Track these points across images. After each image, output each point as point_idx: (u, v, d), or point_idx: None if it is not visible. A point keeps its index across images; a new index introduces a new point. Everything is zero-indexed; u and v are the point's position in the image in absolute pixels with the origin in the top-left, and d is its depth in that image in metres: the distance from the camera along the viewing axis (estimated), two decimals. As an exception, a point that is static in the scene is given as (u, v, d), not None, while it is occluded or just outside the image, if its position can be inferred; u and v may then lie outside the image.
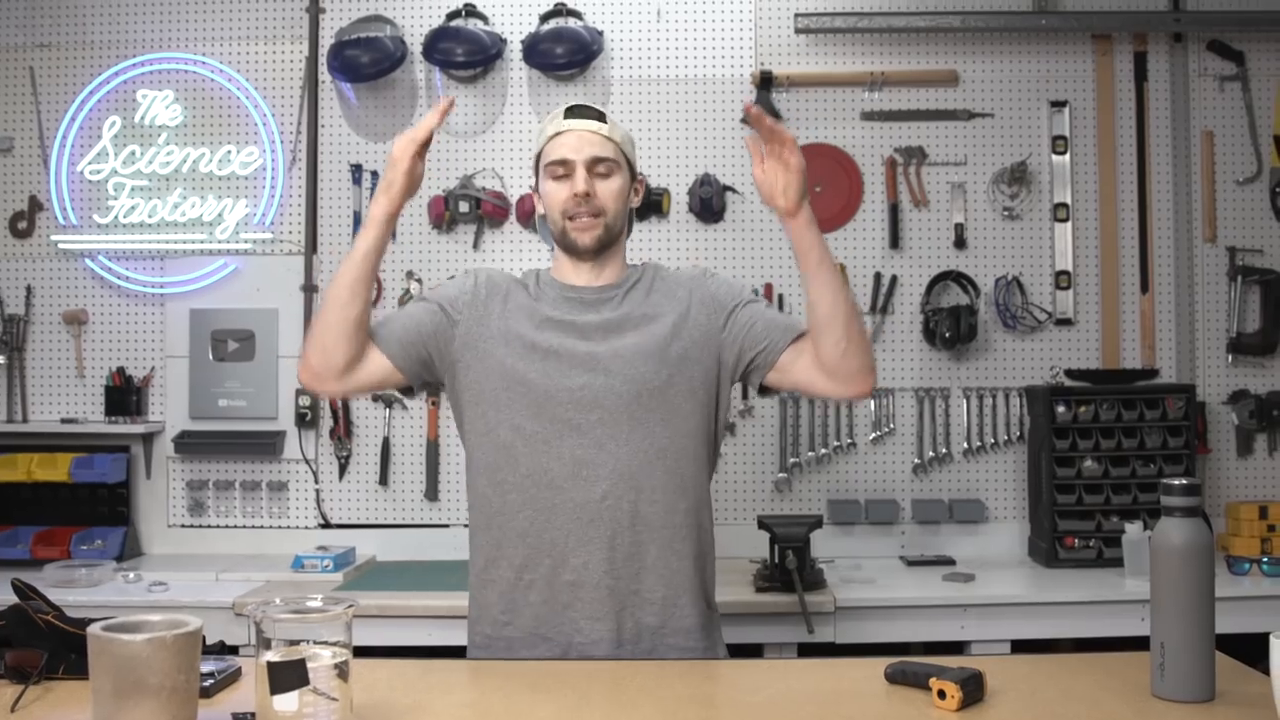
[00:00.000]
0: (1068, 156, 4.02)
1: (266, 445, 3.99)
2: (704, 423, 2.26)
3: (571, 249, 2.26)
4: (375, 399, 4.01)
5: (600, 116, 2.27)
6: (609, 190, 2.25)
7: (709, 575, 2.30)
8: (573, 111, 2.28)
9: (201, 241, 4.04)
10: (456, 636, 3.21)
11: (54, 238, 4.06)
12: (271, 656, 1.53)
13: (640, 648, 2.17)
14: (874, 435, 3.99)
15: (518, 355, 2.20)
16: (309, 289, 4.03)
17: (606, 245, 2.26)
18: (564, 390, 2.17)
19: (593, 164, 2.23)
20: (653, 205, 3.97)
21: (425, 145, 2.17)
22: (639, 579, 2.17)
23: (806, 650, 3.18)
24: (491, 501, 2.21)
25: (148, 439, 4.02)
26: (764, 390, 2.33)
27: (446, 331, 2.25)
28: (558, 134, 2.26)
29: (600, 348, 2.20)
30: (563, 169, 2.24)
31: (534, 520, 2.17)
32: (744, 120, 2.10)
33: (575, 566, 2.16)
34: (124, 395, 4.00)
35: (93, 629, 1.52)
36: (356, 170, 4.05)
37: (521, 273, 2.38)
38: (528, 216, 3.97)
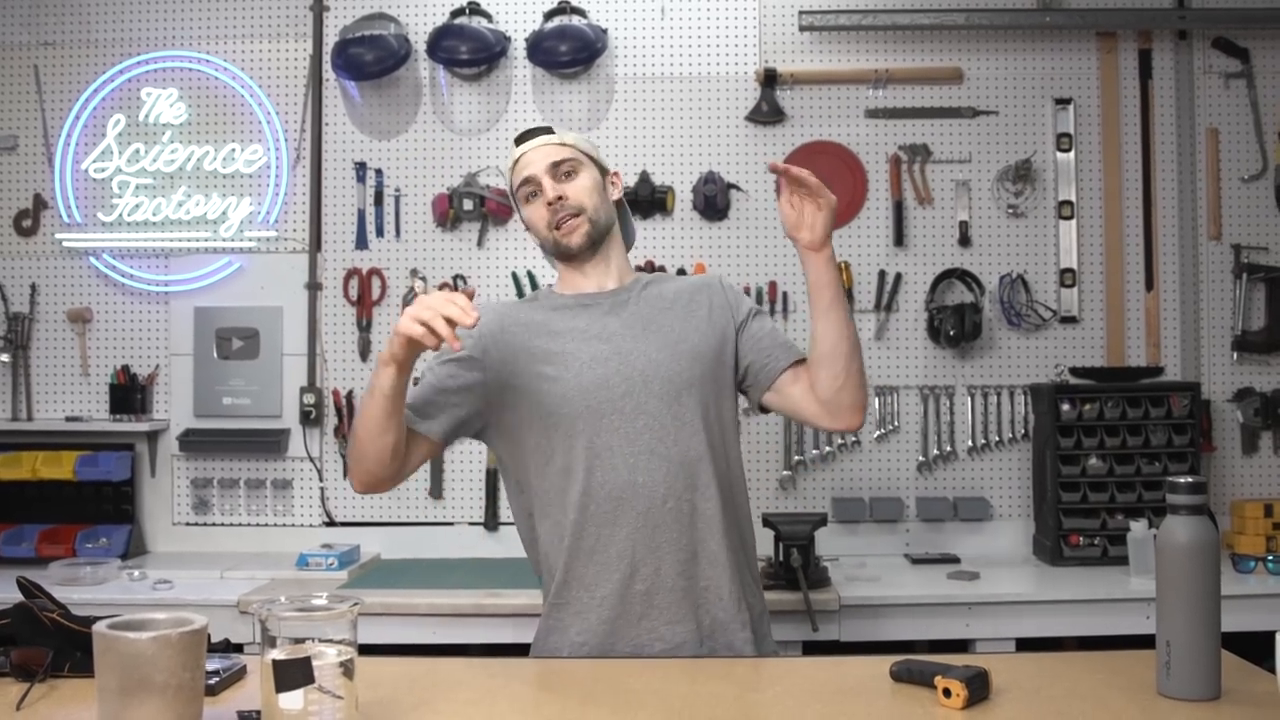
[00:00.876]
0: (1072, 154, 4.02)
1: (271, 443, 3.99)
2: (732, 415, 2.32)
3: (567, 254, 2.28)
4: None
5: (548, 130, 2.33)
6: (579, 188, 2.27)
7: (755, 562, 2.35)
8: (523, 137, 2.34)
9: (206, 240, 4.04)
10: (461, 635, 3.24)
11: (58, 236, 4.06)
12: (277, 654, 1.53)
13: (719, 642, 2.19)
14: (878, 433, 3.99)
15: (552, 380, 2.20)
16: (313, 287, 4.03)
17: (598, 241, 2.29)
18: (607, 403, 2.18)
19: (553, 169, 2.26)
20: (657, 203, 3.97)
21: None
22: (707, 575, 2.19)
23: (811, 648, 3.17)
24: (557, 527, 2.21)
25: (152, 437, 4.02)
26: (762, 409, 2.36)
27: (476, 382, 2.23)
28: (515, 161, 2.31)
29: (630, 353, 2.21)
30: (530, 186, 2.28)
31: (599, 537, 2.17)
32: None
33: (646, 575, 2.16)
34: (128, 393, 4.00)
35: (98, 627, 1.52)
36: (360, 168, 4.05)
37: (522, 296, 2.39)
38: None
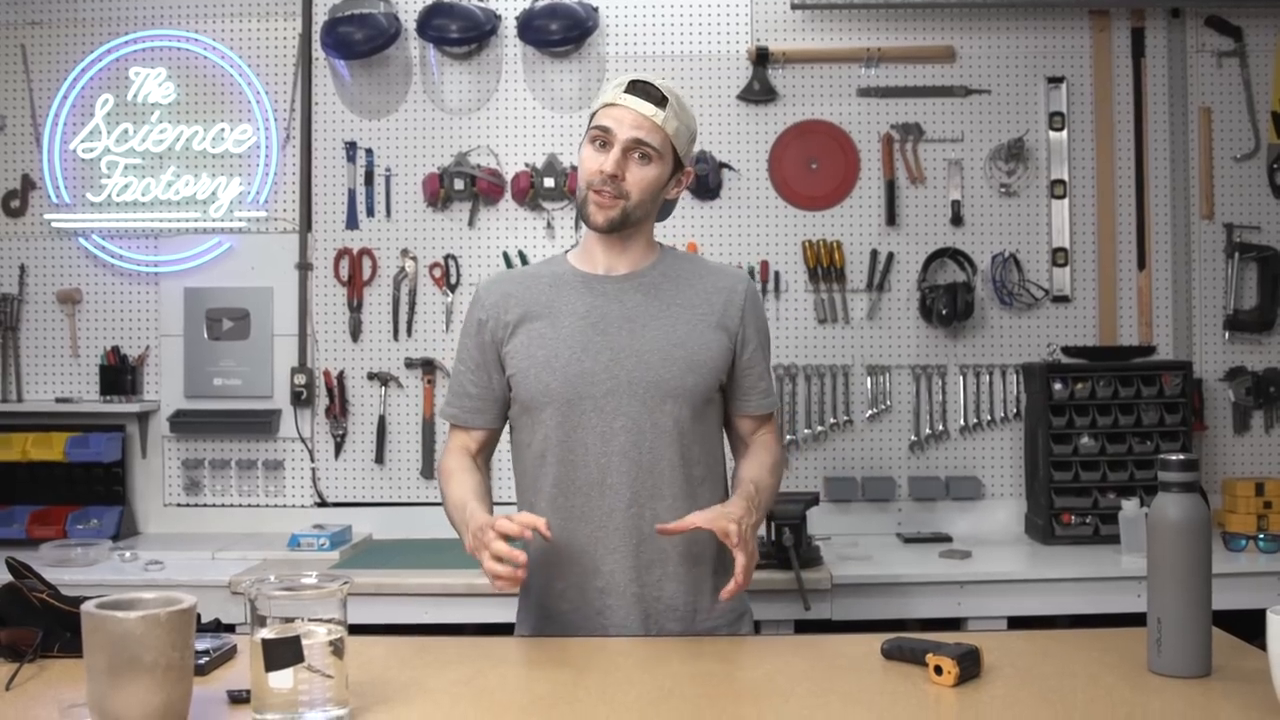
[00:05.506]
0: (1065, 133, 4.01)
1: (262, 424, 3.98)
2: (716, 424, 2.28)
3: (586, 220, 2.20)
4: (370, 377, 4.00)
5: (660, 101, 2.15)
6: (640, 177, 2.16)
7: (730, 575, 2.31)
8: (634, 87, 2.16)
9: (195, 220, 4.02)
10: (452, 614, 3.24)
11: (47, 216, 4.04)
12: (266, 634, 1.52)
13: None
14: (871, 412, 3.99)
15: (540, 365, 2.17)
16: (303, 267, 4.02)
17: (620, 228, 2.18)
18: (588, 399, 2.15)
19: (632, 146, 2.14)
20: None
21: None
22: (661, 586, 2.18)
23: (803, 627, 3.18)
24: (531, 507, 2.21)
25: (143, 418, 4.01)
26: None
27: (495, 364, 2.25)
28: (611, 104, 2.17)
29: (623, 350, 2.16)
30: (603, 135, 2.16)
31: (563, 528, 2.16)
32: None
33: (605, 574, 2.16)
34: (119, 374, 3.99)
35: (86, 606, 1.52)
36: (350, 148, 4.03)
37: (539, 261, 2.34)
38: (523, 194, 3.96)
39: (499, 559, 1.91)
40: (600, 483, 2.15)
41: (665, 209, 2.33)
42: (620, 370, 2.16)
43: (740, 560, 1.98)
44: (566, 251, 2.33)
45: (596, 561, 2.16)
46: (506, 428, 2.33)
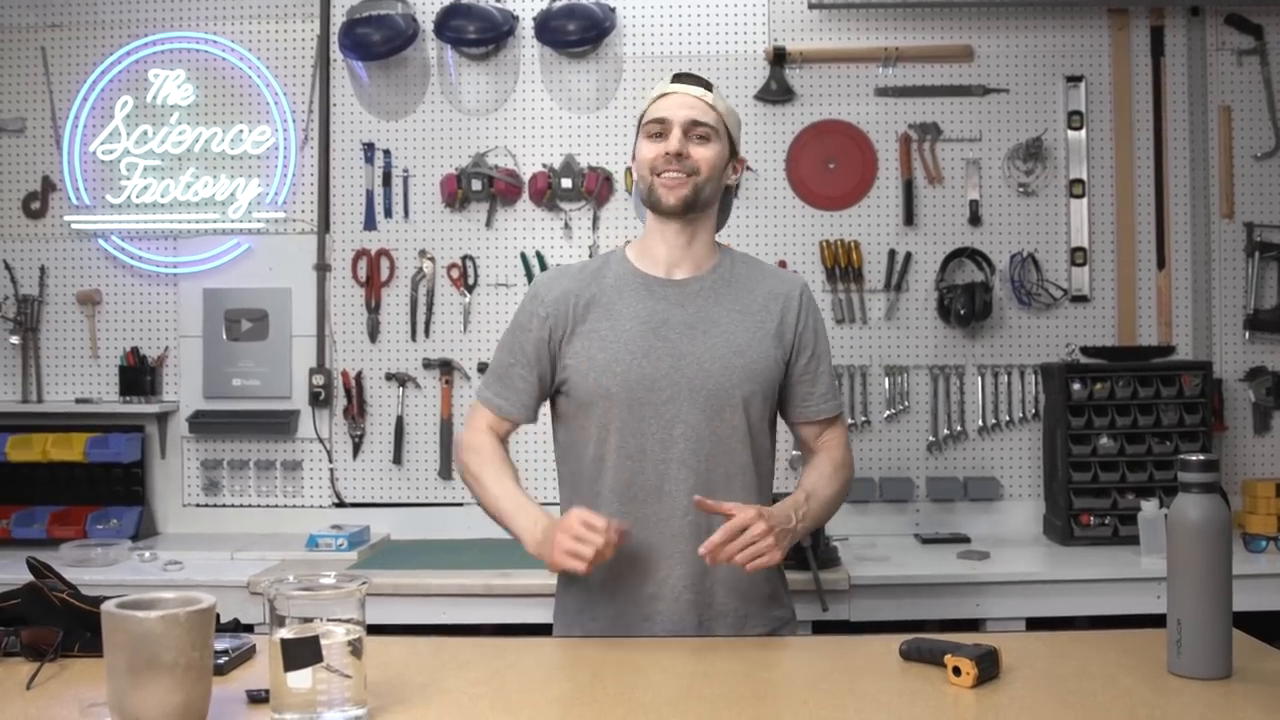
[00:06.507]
0: (1084, 132, 3.99)
1: (280, 424, 3.99)
2: (771, 430, 2.29)
3: (657, 206, 2.22)
4: (388, 378, 4.01)
5: (707, 86, 2.25)
6: (704, 154, 2.20)
7: (781, 583, 2.32)
8: (680, 78, 2.26)
9: (214, 221, 4.03)
10: (470, 615, 3.25)
11: (67, 218, 4.06)
12: (285, 634, 1.53)
13: None
14: (888, 413, 3.98)
15: (602, 368, 2.18)
16: (322, 268, 4.03)
17: (693, 208, 2.21)
18: (649, 405, 2.16)
19: (690, 126, 2.20)
20: (666, 183, 3.95)
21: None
22: (713, 593, 2.18)
23: (821, 628, 3.17)
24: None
25: (162, 419, 4.03)
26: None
27: (545, 355, 2.25)
28: (661, 96, 2.24)
29: (684, 356, 2.17)
30: (659, 127, 2.21)
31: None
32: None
33: (657, 579, 2.16)
34: (138, 375, 4.01)
35: (106, 606, 1.52)
36: (368, 149, 4.04)
37: (595, 257, 2.35)
38: (541, 195, 3.96)
39: (579, 538, 1.97)
40: (658, 489, 2.16)
41: (725, 207, 2.37)
42: (681, 376, 2.17)
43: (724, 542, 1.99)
44: (625, 245, 2.35)
45: (650, 567, 2.16)
46: (551, 427, 2.33)
